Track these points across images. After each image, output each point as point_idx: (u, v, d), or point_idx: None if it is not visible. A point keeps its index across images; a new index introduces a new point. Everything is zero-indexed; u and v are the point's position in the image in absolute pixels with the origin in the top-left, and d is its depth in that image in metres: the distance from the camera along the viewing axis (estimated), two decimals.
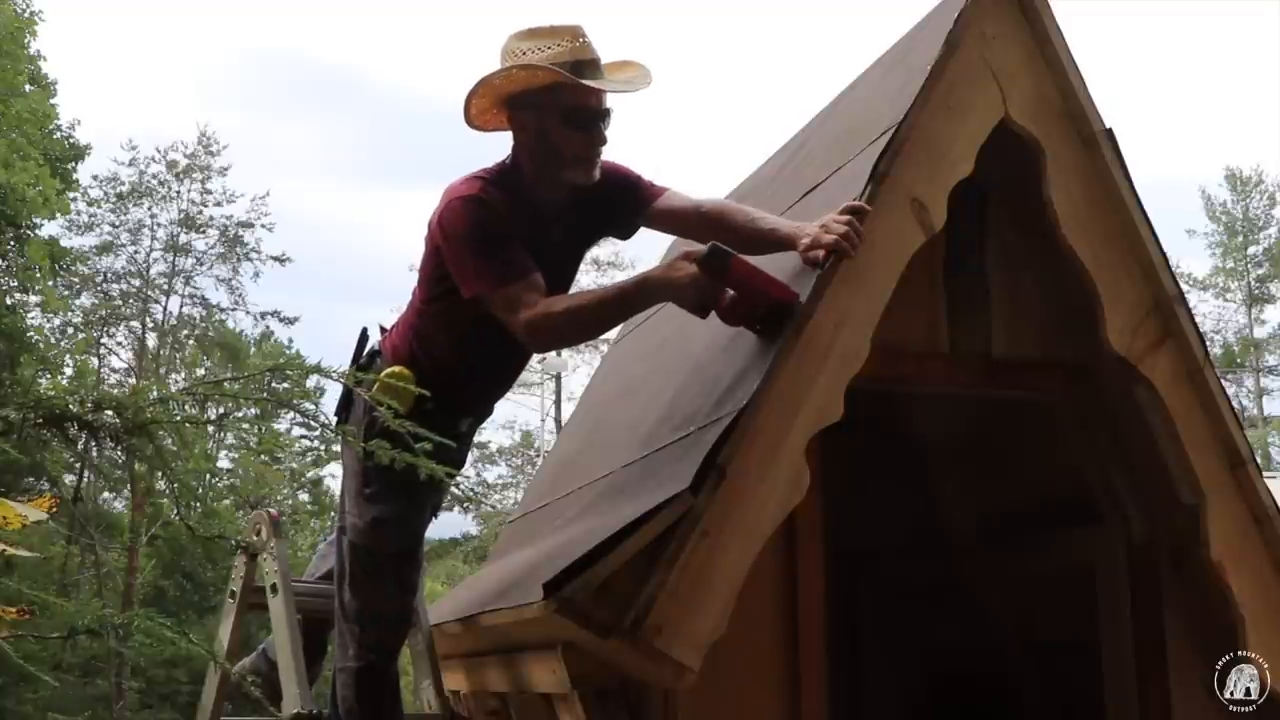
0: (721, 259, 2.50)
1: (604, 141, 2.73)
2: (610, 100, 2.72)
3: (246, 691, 3.15)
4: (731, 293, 2.59)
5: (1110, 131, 2.89)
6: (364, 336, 3.02)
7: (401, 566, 2.82)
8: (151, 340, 25.34)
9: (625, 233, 3.03)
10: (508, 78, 2.67)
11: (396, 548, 2.79)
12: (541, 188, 2.76)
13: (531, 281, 2.61)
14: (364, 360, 2.96)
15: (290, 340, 27.72)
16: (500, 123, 2.81)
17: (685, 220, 2.92)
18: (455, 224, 2.65)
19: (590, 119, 2.69)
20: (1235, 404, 20.18)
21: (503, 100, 2.73)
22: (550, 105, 2.67)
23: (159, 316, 25.30)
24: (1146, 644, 3.03)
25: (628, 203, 2.91)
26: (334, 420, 2.90)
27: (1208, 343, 3.03)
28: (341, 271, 47.75)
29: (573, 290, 2.90)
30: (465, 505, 24.72)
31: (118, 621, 1.77)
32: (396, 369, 2.73)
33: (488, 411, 3.13)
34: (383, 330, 3.01)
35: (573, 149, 2.69)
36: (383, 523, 2.74)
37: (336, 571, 2.86)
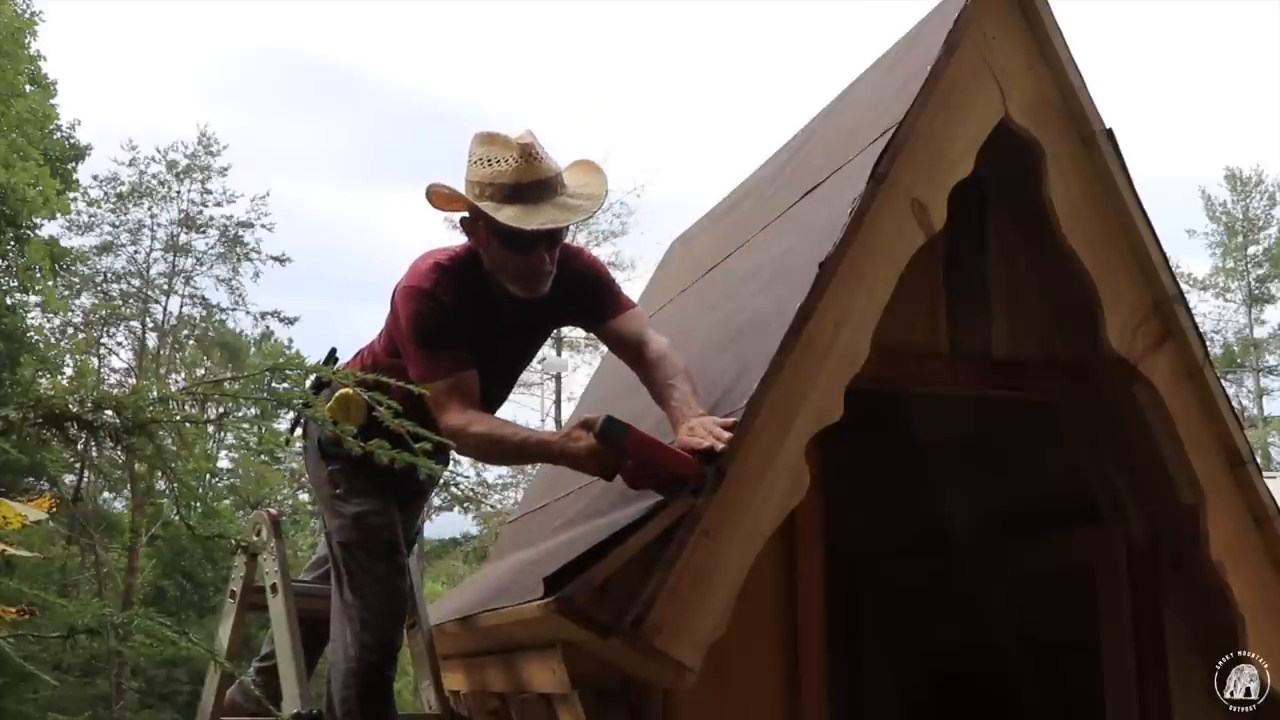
0: (618, 432, 2.42)
1: (544, 262, 2.67)
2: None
3: (247, 691, 3.17)
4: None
5: (1110, 131, 2.89)
6: (332, 358, 3.09)
7: (391, 554, 2.91)
8: (151, 340, 25.31)
9: (588, 329, 3.04)
10: (437, 195, 2.69)
11: (382, 537, 2.90)
12: (497, 283, 2.76)
13: (457, 382, 2.64)
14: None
15: (290, 340, 27.71)
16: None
17: (628, 352, 2.88)
18: (404, 309, 2.73)
19: (527, 243, 2.62)
20: (1235, 404, 20.19)
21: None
22: (488, 224, 2.64)
23: (159, 316, 25.26)
24: (1146, 644, 3.03)
25: (593, 309, 2.90)
26: (298, 431, 3.15)
27: (1208, 343, 3.03)
28: (341, 271, 47.72)
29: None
30: (465, 505, 24.71)
31: (118, 621, 1.77)
32: (347, 391, 2.73)
33: None
34: (334, 358, 3.07)
35: (512, 268, 2.68)
36: (363, 515, 2.87)
37: (333, 578, 2.93)
